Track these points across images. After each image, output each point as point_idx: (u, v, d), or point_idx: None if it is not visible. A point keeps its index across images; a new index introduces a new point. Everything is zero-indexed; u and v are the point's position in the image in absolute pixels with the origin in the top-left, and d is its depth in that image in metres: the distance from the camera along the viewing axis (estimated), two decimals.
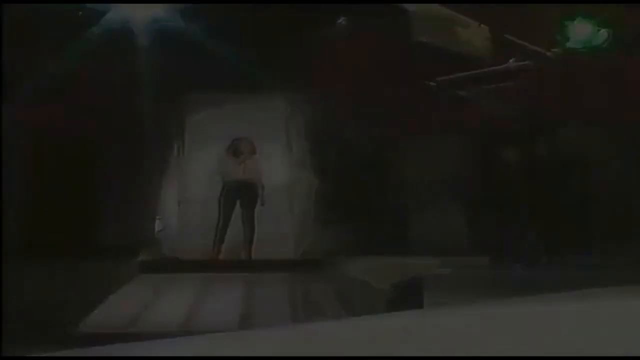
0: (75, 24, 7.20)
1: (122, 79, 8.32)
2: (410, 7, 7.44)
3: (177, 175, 9.66)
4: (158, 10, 7.36)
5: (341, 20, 8.91)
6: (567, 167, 8.20)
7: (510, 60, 8.68)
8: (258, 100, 9.62)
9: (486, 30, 8.10)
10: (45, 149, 10.37)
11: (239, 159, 8.98)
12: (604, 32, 7.77)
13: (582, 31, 7.84)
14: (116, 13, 7.01)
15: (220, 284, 8.16)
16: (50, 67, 7.81)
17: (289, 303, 7.77)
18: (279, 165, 9.69)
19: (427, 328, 3.90)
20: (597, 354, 2.99)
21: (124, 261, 9.04)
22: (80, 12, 7.08)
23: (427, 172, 11.61)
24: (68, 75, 8.01)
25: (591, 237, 8.18)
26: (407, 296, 9.15)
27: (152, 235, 9.89)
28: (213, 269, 8.61)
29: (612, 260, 8.02)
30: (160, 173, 9.81)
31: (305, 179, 9.74)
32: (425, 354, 2.99)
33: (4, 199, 8.86)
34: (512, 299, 5.20)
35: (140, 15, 7.20)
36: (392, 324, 4.08)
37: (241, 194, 8.93)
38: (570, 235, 8.27)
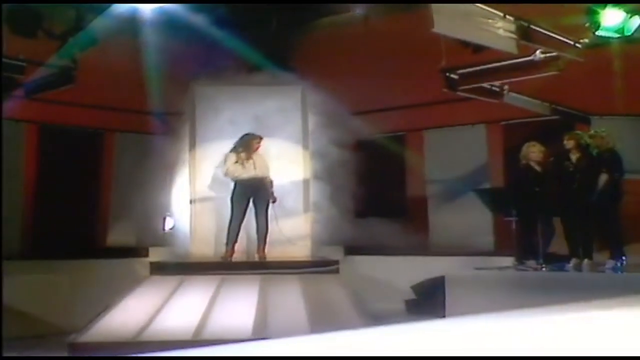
0: (80, 16, 6.97)
1: (130, 72, 8.09)
2: None
3: (189, 172, 9.39)
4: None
5: (359, 10, 8.59)
6: (597, 164, 7.80)
7: (537, 52, 8.28)
8: (273, 93, 9.35)
9: (511, 21, 7.72)
10: (51, 145, 10.19)
11: (247, 155, 8.69)
12: (636, 20, 7.33)
13: (613, 19, 7.39)
14: (122, 4, 6.74)
15: (233, 286, 7.90)
16: (54, 60, 7.59)
17: (305, 306, 7.48)
18: (295, 162, 9.39)
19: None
20: None
21: (134, 262, 8.85)
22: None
23: (450, 168, 11.26)
24: (72, 69, 7.78)
25: (621, 238, 7.79)
26: (429, 298, 8.85)
27: (163, 235, 9.66)
28: (226, 270, 8.34)
29: None
30: (171, 170, 9.56)
31: (322, 176, 9.44)
32: None
33: (8, 200, 8.65)
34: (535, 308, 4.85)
35: (148, 6, 6.91)
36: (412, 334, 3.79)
37: (254, 191, 8.66)
38: (600, 236, 7.89)
